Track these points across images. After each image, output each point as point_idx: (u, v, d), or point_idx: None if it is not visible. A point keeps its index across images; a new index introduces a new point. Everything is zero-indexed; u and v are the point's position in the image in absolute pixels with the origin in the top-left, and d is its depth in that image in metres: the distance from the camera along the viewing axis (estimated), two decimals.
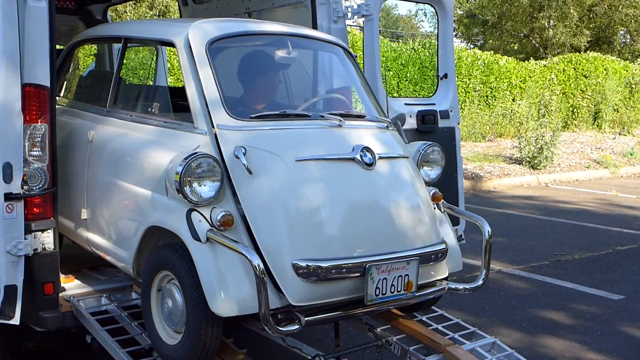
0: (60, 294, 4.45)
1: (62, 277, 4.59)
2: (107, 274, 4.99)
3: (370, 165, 3.96)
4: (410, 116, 5.87)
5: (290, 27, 4.75)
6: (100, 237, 4.59)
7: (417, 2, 6.76)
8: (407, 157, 4.35)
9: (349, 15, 5.68)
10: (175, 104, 4.39)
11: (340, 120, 4.10)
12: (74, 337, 4.95)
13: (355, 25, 19.95)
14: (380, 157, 4.05)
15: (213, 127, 3.94)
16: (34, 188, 4.20)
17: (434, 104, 6.20)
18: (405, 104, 6.10)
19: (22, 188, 4.11)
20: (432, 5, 6.21)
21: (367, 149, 3.99)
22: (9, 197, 4.04)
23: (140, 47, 6.92)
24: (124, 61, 4.97)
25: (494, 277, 7.75)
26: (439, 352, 4.39)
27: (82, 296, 4.62)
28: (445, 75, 6.33)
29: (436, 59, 6.39)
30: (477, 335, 4.72)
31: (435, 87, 6.42)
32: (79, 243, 4.91)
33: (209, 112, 3.97)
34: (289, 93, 5.06)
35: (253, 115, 4.02)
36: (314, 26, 5.59)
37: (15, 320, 4.14)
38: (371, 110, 4.63)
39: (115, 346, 4.13)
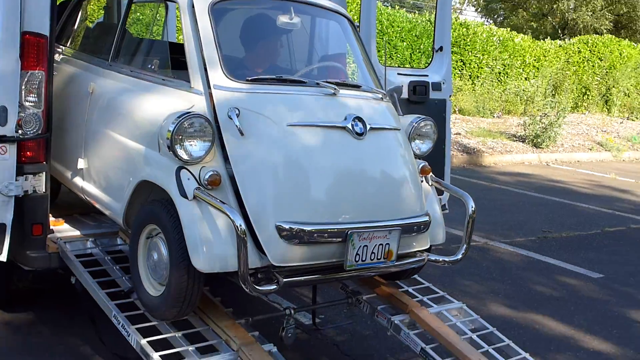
0: (48, 236, 4.67)
1: (52, 219, 4.82)
2: (97, 220, 5.20)
3: (360, 134, 4.04)
4: (402, 86, 5.99)
5: None
6: (94, 187, 4.74)
7: None
8: (399, 130, 4.43)
9: None
10: (175, 60, 4.47)
11: (335, 89, 4.16)
12: (61, 280, 5.16)
13: None
14: (372, 128, 4.12)
15: (209, 87, 4.03)
16: (28, 132, 4.38)
17: (427, 75, 6.31)
18: (398, 73, 6.20)
19: (17, 132, 4.28)
20: None
21: (359, 119, 4.07)
22: (2, 139, 4.23)
23: (149, 3, 7.05)
24: (129, 16, 5.07)
25: (479, 248, 7.94)
26: (405, 313, 4.59)
27: (69, 239, 4.84)
28: (441, 48, 6.43)
29: (433, 32, 6.49)
30: (445, 300, 4.91)
31: (430, 59, 6.53)
32: (74, 191, 5.08)
33: (206, 72, 4.05)
34: (290, 58, 5.13)
35: (249, 78, 4.09)
36: None
37: (3, 257, 4.35)
38: (368, 81, 4.70)
39: (96, 287, 4.35)
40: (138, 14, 8.18)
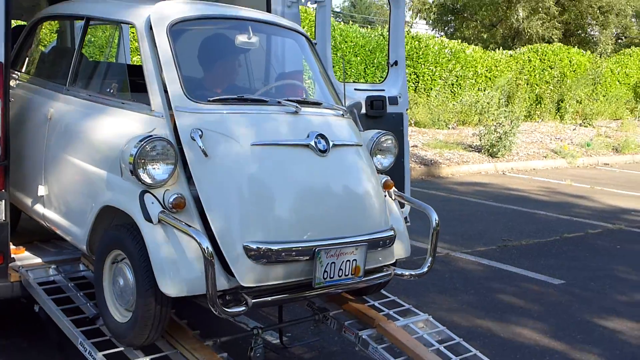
0: (10, 264, 4.61)
1: (12, 248, 4.75)
2: (57, 247, 5.15)
3: (324, 152, 4.06)
4: (361, 102, 6.06)
5: (253, 12, 4.80)
6: (56, 214, 4.69)
7: None
8: (361, 145, 4.46)
9: (303, 0, 5.83)
10: (134, 83, 4.43)
11: (297, 107, 4.18)
12: (23, 307, 5.09)
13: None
14: (335, 145, 4.15)
15: (170, 109, 4.01)
16: None
17: (384, 90, 6.39)
18: (355, 89, 6.26)
19: None
20: None
21: (322, 136, 4.09)
22: None
23: (103, 25, 6.98)
24: (85, 40, 5.04)
25: (441, 259, 7.98)
26: (372, 327, 4.61)
27: (31, 267, 4.78)
28: (396, 62, 6.52)
29: (387, 47, 6.56)
30: (411, 312, 4.94)
31: (385, 74, 6.60)
32: (35, 218, 5.01)
33: (167, 94, 4.03)
34: (249, 77, 5.16)
35: (211, 99, 4.08)
36: (268, 10, 5.72)
37: None
38: (328, 97, 4.72)
39: (61, 314, 4.30)
40: (89, 36, 8.12)
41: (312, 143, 4.04)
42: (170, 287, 3.66)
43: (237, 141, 3.91)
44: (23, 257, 4.91)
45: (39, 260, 4.89)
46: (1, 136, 4.42)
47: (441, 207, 10.68)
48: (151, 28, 4.20)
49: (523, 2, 31.60)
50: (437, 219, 4.51)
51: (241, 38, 4.49)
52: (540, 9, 31.26)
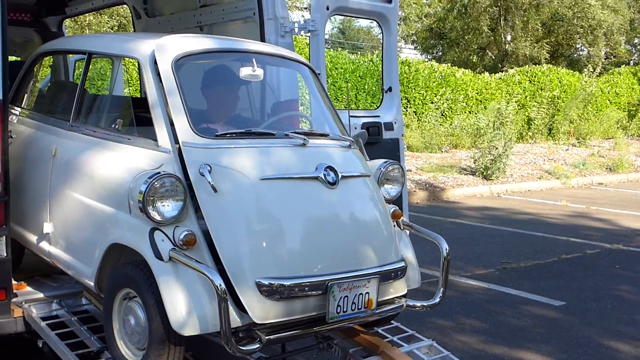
0: (12, 300, 4.61)
1: (14, 283, 4.74)
2: (59, 281, 5.14)
3: (333, 184, 4.05)
4: (355, 128, 6.07)
5: (256, 44, 4.83)
6: (63, 251, 4.63)
7: (362, 18, 6.97)
8: (369, 176, 4.46)
9: (296, 30, 5.85)
10: (139, 117, 4.39)
11: (304, 139, 4.16)
12: (26, 342, 5.07)
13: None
14: (343, 176, 4.14)
15: (178, 144, 3.99)
16: None
17: (379, 116, 6.40)
18: (351, 116, 6.27)
19: None
20: (376, 21, 6.43)
21: (331, 168, 4.08)
22: None
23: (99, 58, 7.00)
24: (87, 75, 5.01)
25: None
26: (377, 354, 4.58)
27: (34, 302, 4.78)
28: (390, 89, 6.54)
29: (381, 73, 6.60)
30: (415, 338, 4.92)
31: (379, 100, 6.62)
32: (41, 256, 4.95)
33: (174, 130, 4.02)
34: (253, 110, 5.17)
35: (218, 134, 4.07)
36: (262, 40, 5.75)
37: None
38: (334, 128, 4.71)
39: (65, 349, 4.29)
40: (79, 70, 8.15)
41: (321, 175, 4.03)
42: (184, 326, 3.62)
43: (246, 176, 3.90)
44: (25, 292, 4.90)
45: (41, 295, 4.88)
46: (1, 172, 4.41)
47: (438, 231, 10.59)
48: (156, 63, 4.18)
49: (510, 24, 31.91)
50: (447, 248, 4.50)
51: (245, 71, 4.44)
52: (527, 31, 31.54)
